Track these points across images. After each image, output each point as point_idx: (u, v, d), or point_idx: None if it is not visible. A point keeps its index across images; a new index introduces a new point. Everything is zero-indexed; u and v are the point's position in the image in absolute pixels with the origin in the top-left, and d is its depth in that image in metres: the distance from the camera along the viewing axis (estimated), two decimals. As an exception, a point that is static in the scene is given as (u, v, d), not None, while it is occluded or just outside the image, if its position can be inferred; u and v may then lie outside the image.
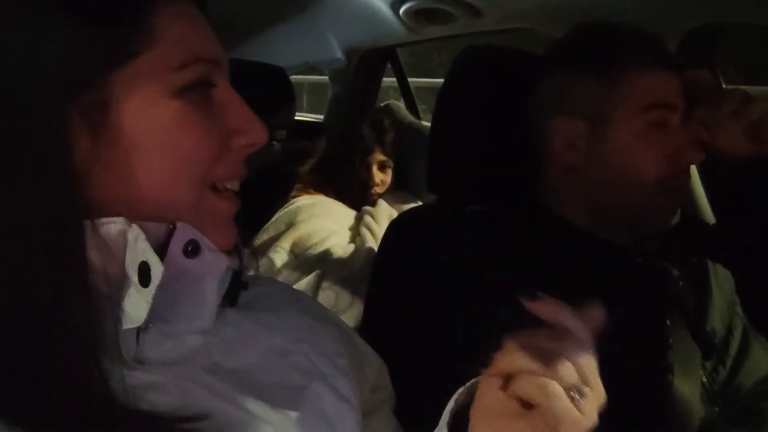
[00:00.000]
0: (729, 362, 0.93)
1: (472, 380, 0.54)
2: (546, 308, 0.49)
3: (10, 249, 0.43)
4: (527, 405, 0.47)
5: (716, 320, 0.94)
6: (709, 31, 1.13)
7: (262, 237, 1.70)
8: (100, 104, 0.46)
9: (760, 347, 0.96)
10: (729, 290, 0.99)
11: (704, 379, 0.89)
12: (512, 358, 0.48)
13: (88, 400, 0.43)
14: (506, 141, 0.98)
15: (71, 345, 0.43)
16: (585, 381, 0.47)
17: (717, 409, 0.88)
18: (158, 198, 0.49)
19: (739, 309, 0.98)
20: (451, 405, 0.54)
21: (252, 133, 0.53)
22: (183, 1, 0.51)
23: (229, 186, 0.54)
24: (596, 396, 0.48)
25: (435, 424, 0.55)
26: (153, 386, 0.48)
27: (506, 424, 0.47)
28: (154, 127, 0.48)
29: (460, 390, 0.54)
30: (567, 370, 0.46)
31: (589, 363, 0.48)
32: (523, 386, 0.47)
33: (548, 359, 0.46)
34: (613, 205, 0.88)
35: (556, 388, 0.46)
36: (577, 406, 0.46)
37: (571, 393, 0.46)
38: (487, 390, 0.50)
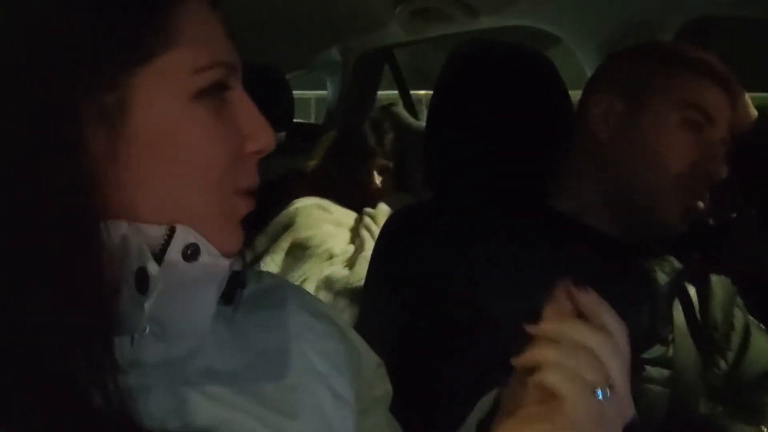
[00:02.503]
0: (730, 356, 0.93)
1: (496, 390, 0.54)
2: (588, 300, 0.48)
3: (20, 250, 0.42)
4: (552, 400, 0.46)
5: (717, 314, 0.94)
6: (703, 24, 1.13)
7: (261, 239, 1.70)
8: (118, 105, 0.45)
9: (761, 339, 0.95)
10: (729, 283, 0.98)
11: (705, 373, 0.88)
12: (543, 348, 0.47)
13: (84, 408, 0.42)
14: (504, 136, 0.97)
15: (73, 350, 0.42)
16: (612, 383, 0.46)
17: (720, 407, 0.88)
18: (173, 202, 0.48)
19: (739, 301, 0.98)
20: (477, 415, 0.54)
21: (262, 139, 0.52)
22: (202, 3, 0.50)
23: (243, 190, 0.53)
24: (621, 402, 0.47)
25: (432, 420, 0.55)
26: (145, 389, 0.47)
27: (528, 421, 0.47)
28: (172, 131, 0.47)
29: (484, 399, 0.54)
30: (596, 367, 0.46)
31: (620, 366, 0.47)
32: (549, 377, 0.46)
33: (579, 353, 0.46)
34: (624, 192, 0.89)
35: (582, 381, 0.45)
36: (600, 407, 0.46)
37: (597, 391, 0.46)
38: (515, 388, 0.50)
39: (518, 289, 0.81)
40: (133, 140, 0.46)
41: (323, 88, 2.60)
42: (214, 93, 0.49)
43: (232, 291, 0.56)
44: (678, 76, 0.87)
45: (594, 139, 0.91)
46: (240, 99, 0.52)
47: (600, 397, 0.46)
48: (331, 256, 1.63)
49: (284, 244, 1.66)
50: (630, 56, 0.93)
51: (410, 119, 2.08)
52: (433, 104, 1.01)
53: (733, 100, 0.88)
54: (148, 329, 0.48)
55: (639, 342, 0.86)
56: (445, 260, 0.87)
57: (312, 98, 5.24)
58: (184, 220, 0.48)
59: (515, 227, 0.90)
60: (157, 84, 0.46)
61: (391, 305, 0.90)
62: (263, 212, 1.75)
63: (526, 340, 0.49)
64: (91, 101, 0.44)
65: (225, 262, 0.51)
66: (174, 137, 0.47)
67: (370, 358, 0.66)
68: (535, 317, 0.49)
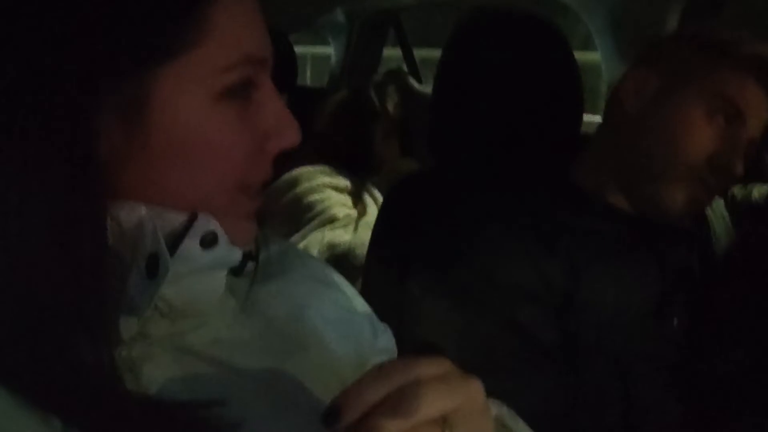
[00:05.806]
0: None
1: None
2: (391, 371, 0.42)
3: (25, 230, 0.42)
4: None
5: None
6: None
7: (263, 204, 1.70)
8: (139, 99, 0.44)
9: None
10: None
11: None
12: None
13: (88, 382, 0.43)
14: (510, 104, 0.97)
15: (77, 329, 0.43)
16: (450, 412, 0.42)
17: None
18: (187, 196, 0.48)
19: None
20: None
21: (288, 136, 0.51)
22: None
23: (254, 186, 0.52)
24: (468, 423, 0.43)
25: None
26: (149, 358, 0.47)
27: None
28: (193, 131, 0.46)
29: None
30: (424, 407, 0.41)
31: (452, 388, 0.42)
32: None
33: (403, 399, 0.41)
34: (635, 171, 0.88)
35: None
36: None
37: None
38: None
39: (530, 261, 0.81)
40: (152, 134, 0.45)
41: (321, 43, 2.52)
42: (240, 91, 0.47)
43: (241, 265, 0.55)
44: (718, 67, 0.84)
45: (621, 110, 0.89)
46: (267, 95, 0.50)
47: None
48: (333, 221, 1.63)
49: (286, 209, 1.66)
50: (677, 39, 0.91)
51: (415, 84, 2.06)
52: (440, 72, 1.00)
53: None
54: (156, 309, 0.47)
55: (646, 320, 0.87)
56: (452, 232, 0.87)
57: (308, 55, 4.30)
58: (200, 210, 0.48)
59: (524, 199, 0.89)
60: (181, 81, 0.45)
61: (394, 278, 0.90)
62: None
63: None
64: (112, 91, 0.43)
65: (239, 254, 0.51)
66: (194, 137, 0.46)
67: (377, 324, 0.67)
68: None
